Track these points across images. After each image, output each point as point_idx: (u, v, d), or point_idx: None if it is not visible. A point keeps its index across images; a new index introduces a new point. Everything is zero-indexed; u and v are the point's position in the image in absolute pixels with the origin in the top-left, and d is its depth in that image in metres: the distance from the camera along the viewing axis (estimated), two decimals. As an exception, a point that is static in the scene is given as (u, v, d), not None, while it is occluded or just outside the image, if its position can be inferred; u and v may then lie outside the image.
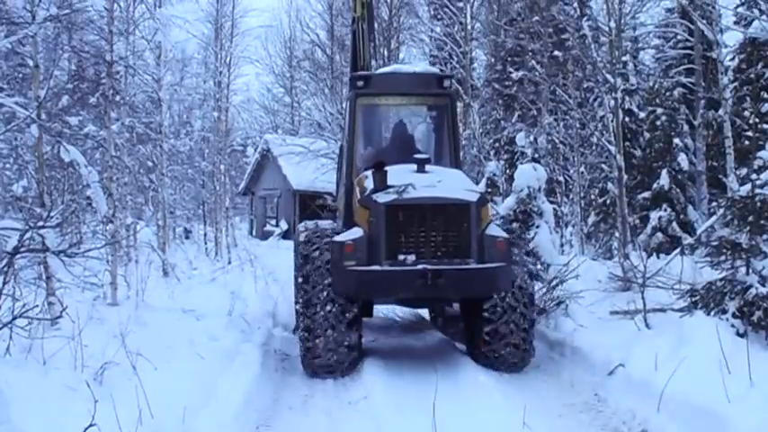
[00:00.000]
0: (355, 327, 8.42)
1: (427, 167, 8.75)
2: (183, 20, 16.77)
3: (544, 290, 10.31)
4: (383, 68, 11.10)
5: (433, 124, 10.76)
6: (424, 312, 12.52)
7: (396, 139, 10.50)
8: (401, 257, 8.00)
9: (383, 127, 11.10)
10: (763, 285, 7.33)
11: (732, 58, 18.24)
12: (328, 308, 8.26)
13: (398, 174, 8.42)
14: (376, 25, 16.19)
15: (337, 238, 8.35)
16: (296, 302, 9.36)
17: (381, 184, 8.26)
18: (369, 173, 8.73)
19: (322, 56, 33.95)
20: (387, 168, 8.36)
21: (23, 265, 7.83)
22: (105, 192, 10.10)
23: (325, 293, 8.29)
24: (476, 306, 8.57)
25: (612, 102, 14.07)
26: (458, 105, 24.90)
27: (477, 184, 17.26)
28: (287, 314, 11.77)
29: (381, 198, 8.13)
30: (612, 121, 14.10)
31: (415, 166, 8.69)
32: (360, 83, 9.76)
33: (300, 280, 8.63)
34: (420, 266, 7.88)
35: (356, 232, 8.32)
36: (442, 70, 25.08)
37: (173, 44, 20.76)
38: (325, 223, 10.20)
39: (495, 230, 8.41)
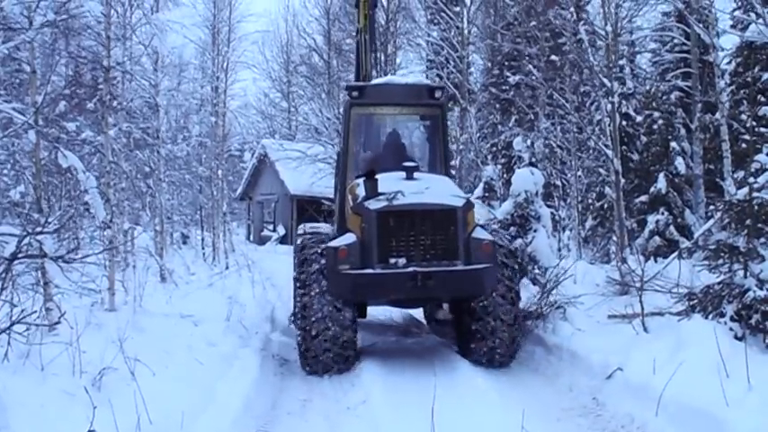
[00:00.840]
0: None
1: (416, 174, 9.24)
2: (180, 25, 16.75)
3: (540, 294, 10.36)
4: (377, 79, 11.39)
5: (424, 133, 11.32)
6: (421, 316, 12.57)
7: (389, 147, 10.85)
8: (392, 261, 8.45)
9: (377, 136, 11.38)
10: (761, 288, 7.33)
11: (729, 62, 18.28)
12: (323, 261, 8.71)
13: (388, 181, 8.87)
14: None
15: (332, 244, 8.75)
16: (294, 270, 9.71)
17: (372, 192, 8.69)
18: (360, 181, 9.13)
19: (319, 61, 34.09)
20: (377, 176, 8.79)
21: (21, 271, 7.82)
22: (103, 197, 10.09)
23: (319, 251, 8.82)
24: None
25: (609, 105, 14.08)
26: (454, 111, 25.05)
27: (475, 188, 17.35)
28: (285, 319, 11.76)
29: (372, 205, 8.57)
30: (609, 124, 14.11)
31: (404, 174, 9.15)
32: (354, 93, 10.19)
33: (300, 248, 9.11)
34: (410, 269, 8.33)
35: (349, 238, 8.74)
36: (439, 77, 25.20)
37: (170, 49, 20.81)
38: (324, 225, 10.46)
39: (480, 233, 8.86)
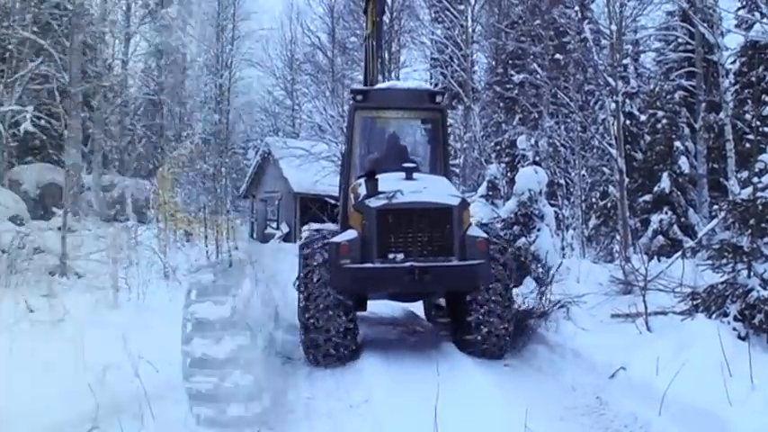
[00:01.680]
0: None
1: (414, 175, 9.58)
2: (185, 23, 16.83)
3: (537, 290, 10.44)
4: (380, 84, 11.76)
5: (425, 136, 11.67)
6: (421, 313, 12.65)
7: (391, 148, 11.09)
8: (391, 256, 8.78)
9: (380, 138, 11.58)
10: (765, 288, 7.32)
11: (733, 61, 18.28)
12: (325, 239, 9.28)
13: (388, 181, 9.23)
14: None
15: (334, 240, 9.10)
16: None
17: (373, 191, 9.03)
18: (361, 180, 9.48)
19: (323, 59, 34.03)
20: (378, 176, 9.14)
21: (27, 268, 7.86)
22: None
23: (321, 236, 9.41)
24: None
25: (613, 105, 14.08)
26: (458, 109, 25.05)
27: (479, 186, 17.34)
28: (288, 317, 11.77)
29: (373, 203, 8.92)
30: (613, 124, 14.11)
31: (403, 174, 9.49)
32: (359, 97, 10.60)
33: (304, 242, 9.64)
34: (408, 264, 8.64)
35: (351, 234, 9.11)
36: (443, 75, 25.20)
37: (174, 47, 20.84)
38: (329, 225, 10.68)
39: (475, 231, 9.23)
